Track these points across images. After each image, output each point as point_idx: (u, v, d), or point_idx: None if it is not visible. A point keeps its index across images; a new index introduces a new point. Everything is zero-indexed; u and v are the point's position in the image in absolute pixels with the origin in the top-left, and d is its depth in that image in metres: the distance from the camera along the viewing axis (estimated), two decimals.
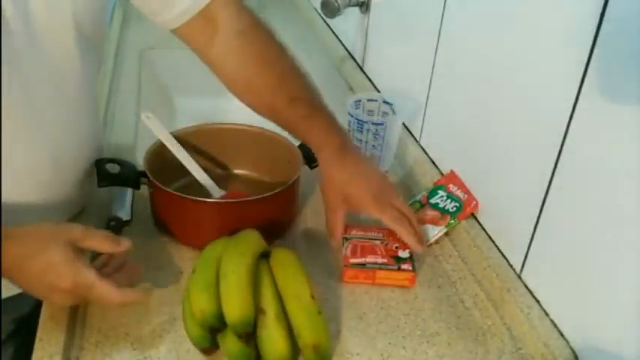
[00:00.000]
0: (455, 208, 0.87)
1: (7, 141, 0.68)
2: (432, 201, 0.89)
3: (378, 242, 0.82)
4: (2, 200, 0.69)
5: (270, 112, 0.84)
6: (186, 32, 0.82)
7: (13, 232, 0.63)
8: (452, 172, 0.91)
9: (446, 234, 0.91)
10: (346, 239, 0.83)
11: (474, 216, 0.90)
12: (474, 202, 0.87)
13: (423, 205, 0.90)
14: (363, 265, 0.78)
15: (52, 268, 0.63)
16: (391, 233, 0.84)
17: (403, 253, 0.81)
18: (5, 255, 0.62)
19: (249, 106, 0.86)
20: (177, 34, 0.83)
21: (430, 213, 0.88)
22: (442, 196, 0.89)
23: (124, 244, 0.69)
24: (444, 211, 0.87)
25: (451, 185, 0.89)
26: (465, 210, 0.87)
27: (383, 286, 0.80)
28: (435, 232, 0.87)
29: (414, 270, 0.79)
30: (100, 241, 0.67)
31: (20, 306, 0.84)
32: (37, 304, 0.75)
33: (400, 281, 0.79)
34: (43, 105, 0.72)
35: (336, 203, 0.83)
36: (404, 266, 0.79)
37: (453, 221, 0.87)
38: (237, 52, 0.83)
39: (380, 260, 0.79)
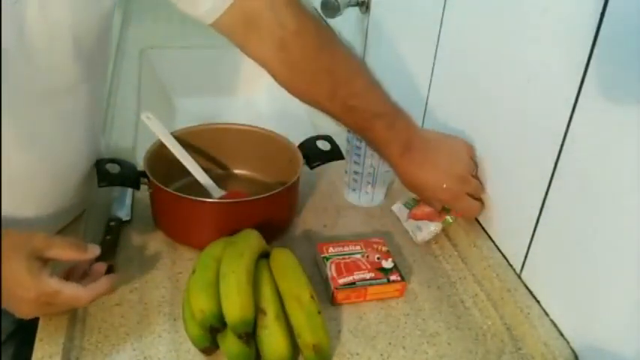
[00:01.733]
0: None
1: (4, 152, 0.68)
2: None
3: (359, 256, 0.81)
4: (1, 210, 0.69)
5: (327, 113, 0.81)
6: (221, 29, 0.76)
7: None
8: None
9: (445, 234, 0.91)
10: (326, 259, 0.80)
11: None
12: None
13: (418, 202, 0.89)
14: (353, 284, 0.77)
15: (15, 280, 0.62)
16: (369, 244, 0.83)
17: (387, 263, 0.80)
18: None
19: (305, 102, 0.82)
20: (216, 30, 0.77)
21: (426, 210, 0.88)
22: None
23: (91, 251, 0.68)
24: (442, 209, 0.87)
25: None
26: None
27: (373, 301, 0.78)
28: (431, 228, 0.87)
29: (403, 279, 0.79)
30: (64, 250, 0.66)
31: None
32: None
33: (391, 293, 0.79)
34: (39, 118, 0.71)
35: (423, 196, 0.87)
36: (392, 277, 0.78)
37: (449, 217, 0.86)
38: (279, 58, 0.77)
39: (368, 275, 0.78)
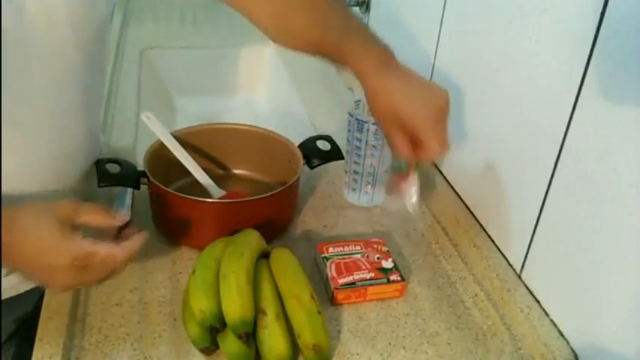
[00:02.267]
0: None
1: (4, 143, 0.68)
2: (395, 165, 0.77)
3: (359, 256, 0.81)
4: (2, 201, 0.69)
5: (307, 46, 0.77)
6: None
7: (4, 211, 0.61)
8: None
9: (445, 234, 0.91)
10: (326, 259, 0.80)
11: (473, 216, 0.90)
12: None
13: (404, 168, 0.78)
14: (352, 284, 0.77)
15: (47, 247, 0.60)
16: (369, 244, 0.83)
17: (387, 263, 0.80)
18: None
19: (285, 47, 0.79)
20: None
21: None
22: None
23: (120, 218, 0.65)
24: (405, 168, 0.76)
25: None
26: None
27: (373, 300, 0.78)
28: (413, 186, 0.78)
29: (403, 279, 0.79)
30: (94, 215, 0.64)
31: (21, 306, 0.84)
32: (38, 305, 0.75)
33: (391, 293, 0.79)
34: (38, 105, 0.71)
35: (389, 124, 0.73)
36: (392, 277, 0.78)
37: (419, 166, 0.76)
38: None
39: (368, 275, 0.78)
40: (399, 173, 0.77)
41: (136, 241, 0.65)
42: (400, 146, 0.73)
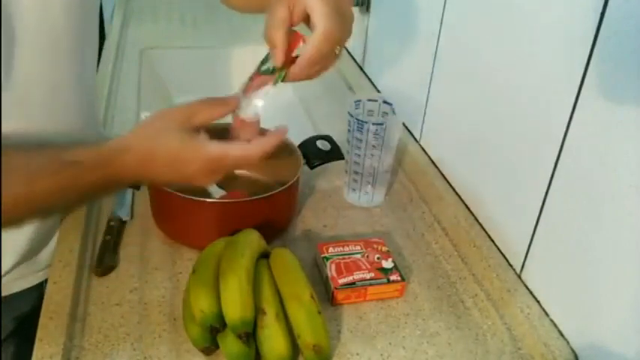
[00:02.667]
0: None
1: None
2: (263, 68, 0.69)
3: (359, 256, 0.81)
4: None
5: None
6: None
7: (122, 142, 0.60)
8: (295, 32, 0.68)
9: (445, 234, 0.91)
10: (326, 259, 0.80)
11: (473, 216, 0.90)
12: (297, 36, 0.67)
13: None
14: (353, 284, 0.77)
15: (176, 157, 0.59)
16: (369, 244, 0.82)
17: (387, 263, 0.80)
18: (128, 165, 0.59)
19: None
20: None
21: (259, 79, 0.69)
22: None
23: (232, 100, 0.63)
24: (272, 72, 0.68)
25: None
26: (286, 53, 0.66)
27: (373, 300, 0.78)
28: (260, 94, 0.68)
29: (403, 279, 0.79)
30: (210, 111, 0.62)
31: (20, 305, 0.84)
32: (37, 303, 0.75)
33: (391, 293, 0.79)
34: (32, 90, 0.70)
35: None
36: (392, 277, 0.78)
37: (278, 73, 0.67)
38: None
39: (368, 275, 0.78)
40: (265, 74, 0.68)
41: (270, 138, 0.62)
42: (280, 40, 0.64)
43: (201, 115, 0.61)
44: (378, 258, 0.80)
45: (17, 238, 0.79)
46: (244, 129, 0.63)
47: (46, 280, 0.84)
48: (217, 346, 0.68)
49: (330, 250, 0.81)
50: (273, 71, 0.68)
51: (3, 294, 0.78)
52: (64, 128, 0.77)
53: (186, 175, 0.61)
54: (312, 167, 0.92)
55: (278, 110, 1.33)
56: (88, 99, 0.84)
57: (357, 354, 0.71)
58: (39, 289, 0.84)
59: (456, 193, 0.95)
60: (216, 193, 0.89)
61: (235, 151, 0.61)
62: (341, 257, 0.80)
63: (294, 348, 0.67)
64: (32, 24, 0.67)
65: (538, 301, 0.76)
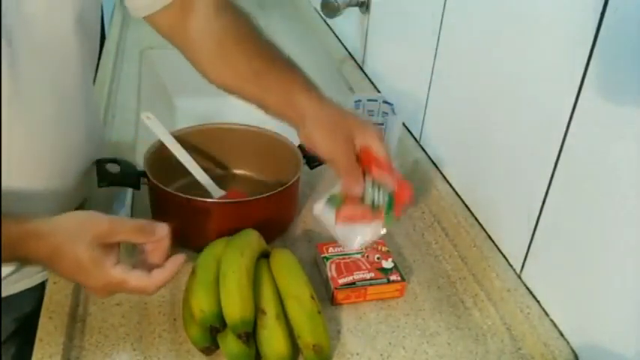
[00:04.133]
0: (386, 201, 0.72)
1: (4, 131, 0.67)
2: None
3: (359, 256, 0.81)
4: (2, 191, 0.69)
5: (246, 81, 0.80)
6: (163, 16, 0.80)
7: (41, 228, 0.61)
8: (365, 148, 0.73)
9: (445, 234, 0.91)
10: (326, 259, 0.80)
11: (473, 216, 0.90)
12: (407, 189, 0.73)
13: (343, 200, 0.74)
14: (353, 284, 0.77)
15: (80, 267, 0.61)
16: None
17: (387, 263, 0.80)
18: (37, 252, 0.61)
19: (226, 83, 0.83)
20: (152, 18, 0.81)
21: (358, 209, 0.73)
22: (366, 183, 0.72)
23: (159, 232, 0.65)
24: (374, 208, 0.72)
25: (373, 167, 0.71)
26: (398, 202, 0.72)
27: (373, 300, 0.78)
28: (370, 230, 0.73)
29: (403, 279, 0.79)
30: (129, 234, 0.64)
31: (21, 305, 0.84)
32: (38, 304, 0.75)
33: (391, 293, 0.79)
34: (38, 95, 0.71)
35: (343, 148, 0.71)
36: (392, 277, 0.78)
37: (388, 216, 0.72)
38: (216, 29, 0.81)
39: (368, 275, 0.78)
40: (334, 206, 0.74)
41: (167, 270, 0.65)
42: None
43: (120, 236, 0.64)
44: (378, 258, 0.80)
45: None
46: (154, 253, 0.66)
47: (46, 281, 0.84)
48: (217, 346, 0.68)
49: (330, 250, 0.81)
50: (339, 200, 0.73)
51: (3, 295, 0.78)
52: (70, 137, 0.78)
53: (85, 284, 0.64)
54: (312, 167, 0.92)
55: None
56: (91, 108, 0.85)
57: (357, 354, 0.71)
58: (39, 290, 0.84)
59: (456, 193, 0.95)
60: (216, 193, 0.89)
61: (134, 281, 0.63)
62: (341, 257, 0.80)
63: (294, 348, 0.67)
64: (37, 35, 0.68)
65: (538, 301, 0.76)
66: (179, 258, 0.66)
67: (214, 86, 0.84)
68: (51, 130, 0.75)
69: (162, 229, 0.65)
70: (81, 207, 0.87)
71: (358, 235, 0.74)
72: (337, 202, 0.74)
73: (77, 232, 0.62)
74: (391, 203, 0.72)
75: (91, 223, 0.63)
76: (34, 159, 0.74)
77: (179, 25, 0.81)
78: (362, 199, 0.72)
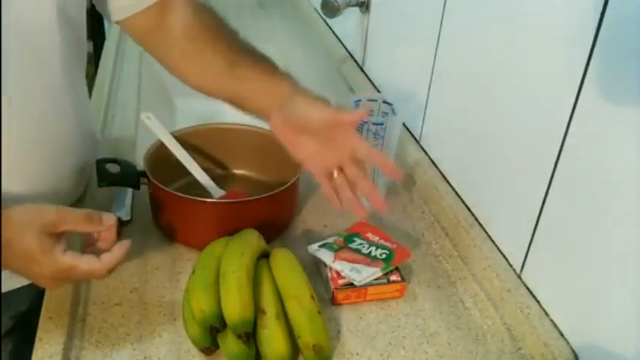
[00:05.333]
0: (385, 256, 0.79)
1: None
2: (353, 247, 0.81)
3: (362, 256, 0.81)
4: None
5: (222, 74, 0.82)
6: (142, 16, 0.81)
7: None
8: (362, 220, 0.86)
9: (446, 234, 0.91)
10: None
11: (473, 216, 0.90)
12: (406, 252, 0.81)
13: (341, 247, 0.81)
14: (352, 284, 0.77)
15: (30, 257, 0.62)
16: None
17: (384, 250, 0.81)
18: None
19: (201, 81, 0.85)
20: (130, 20, 0.82)
21: (356, 255, 0.79)
22: (361, 244, 0.81)
23: (106, 221, 0.66)
24: (372, 257, 0.79)
25: (369, 234, 0.83)
26: (397, 259, 0.79)
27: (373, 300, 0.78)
28: (371, 271, 0.77)
29: (403, 280, 0.79)
30: (77, 223, 0.65)
31: (18, 303, 0.84)
32: (35, 301, 0.75)
33: (391, 293, 0.79)
34: (26, 93, 0.71)
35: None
36: (392, 277, 0.78)
37: (387, 266, 0.78)
38: (192, 27, 0.83)
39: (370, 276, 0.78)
40: (331, 251, 0.80)
41: (115, 254, 0.66)
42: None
43: (68, 225, 0.64)
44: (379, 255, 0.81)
45: None
46: (105, 240, 0.67)
47: None
48: (217, 346, 0.68)
49: None
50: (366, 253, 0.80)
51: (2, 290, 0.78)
52: (56, 134, 0.78)
53: (35, 274, 0.64)
54: None
55: None
56: (81, 104, 0.84)
57: (357, 354, 0.71)
58: (36, 287, 0.84)
59: (456, 193, 0.95)
60: (216, 193, 0.89)
61: (85, 265, 0.64)
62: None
63: (294, 348, 0.67)
64: (14, 20, 0.67)
65: (538, 301, 0.76)
66: (125, 243, 0.67)
67: (191, 88, 0.87)
68: (33, 126, 0.74)
69: (110, 218, 0.66)
70: (78, 201, 0.87)
71: (362, 273, 0.77)
72: (334, 248, 0.80)
73: (25, 222, 0.62)
74: (390, 258, 0.79)
75: (38, 213, 0.63)
76: (17, 157, 0.73)
77: (156, 26, 0.82)
78: (359, 251, 0.80)
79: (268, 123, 0.81)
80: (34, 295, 0.80)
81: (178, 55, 0.85)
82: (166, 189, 0.81)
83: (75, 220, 0.65)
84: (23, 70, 0.70)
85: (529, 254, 0.77)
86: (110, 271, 0.66)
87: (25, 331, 0.83)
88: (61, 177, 0.80)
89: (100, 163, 0.85)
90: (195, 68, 0.84)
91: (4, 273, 0.79)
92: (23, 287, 0.83)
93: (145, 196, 0.88)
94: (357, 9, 1.29)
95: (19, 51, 0.69)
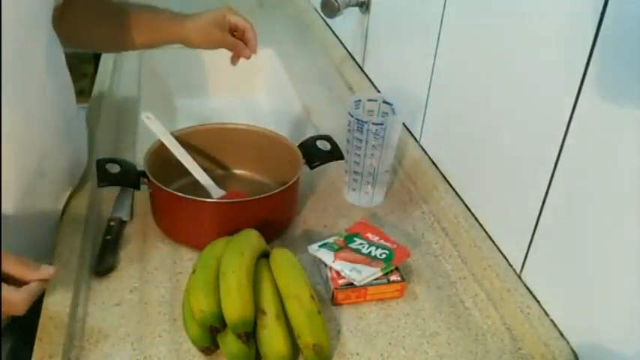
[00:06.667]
0: (384, 256, 0.79)
1: None
2: (353, 247, 0.81)
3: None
4: None
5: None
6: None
7: None
8: (362, 220, 0.87)
9: (445, 233, 0.91)
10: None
11: (473, 216, 0.90)
12: (406, 252, 0.81)
13: (341, 247, 0.81)
14: (352, 284, 0.77)
15: None
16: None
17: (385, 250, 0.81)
18: None
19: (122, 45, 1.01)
20: None
21: (356, 255, 0.79)
22: (361, 244, 0.81)
23: (44, 272, 0.63)
24: (372, 257, 0.79)
25: (369, 234, 0.83)
26: (397, 259, 0.79)
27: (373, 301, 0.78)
28: (371, 271, 0.77)
29: (403, 280, 0.79)
30: (13, 265, 0.62)
31: None
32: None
33: (391, 293, 0.79)
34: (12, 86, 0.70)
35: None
36: (392, 277, 0.78)
37: (387, 266, 0.79)
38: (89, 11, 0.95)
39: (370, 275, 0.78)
40: (330, 251, 0.82)
41: (34, 287, 0.63)
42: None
43: (4, 264, 0.62)
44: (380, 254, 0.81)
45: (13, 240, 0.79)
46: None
47: None
48: (217, 346, 0.68)
49: None
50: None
51: None
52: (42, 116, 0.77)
53: None
54: (312, 167, 0.92)
55: (278, 110, 1.34)
56: (62, 88, 0.84)
57: (357, 354, 0.71)
58: None
59: (456, 193, 0.95)
60: (216, 193, 0.89)
61: (3, 293, 0.61)
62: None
63: (294, 348, 0.67)
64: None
65: (538, 301, 0.76)
66: (48, 271, 0.64)
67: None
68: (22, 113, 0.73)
69: (48, 270, 0.63)
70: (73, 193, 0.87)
71: (362, 273, 0.77)
72: (334, 248, 0.80)
73: None
74: (390, 258, 0.79)
75: None
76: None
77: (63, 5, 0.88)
78: (359, 251, 0.80)
79: (190, 44, 1.00)
80: None
81: (82, 26, 0.95)
82: (166, 189, 0.81)
83: (11, 261, 0.62)
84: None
85: (529, 254, 0.77)
86: (28, 304, 0.62)
87: (22, 328, 0.83)
88: (42, 145, 0.79)
89: (100, 163, 0.85)
90: (101, 35, 0.99)
91: None
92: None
93: (144, 196, 0.88)
94: (357, 9, 1.29)
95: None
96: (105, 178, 0.84)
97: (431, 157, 1.03)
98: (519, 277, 0.79)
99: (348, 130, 0.91)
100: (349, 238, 0.83)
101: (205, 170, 0.91)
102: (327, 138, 0.95)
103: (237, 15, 0.98)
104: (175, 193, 0.81)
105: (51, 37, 0.78)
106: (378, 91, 1.23)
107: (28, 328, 0.70)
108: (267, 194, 0.82)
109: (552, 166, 0.71)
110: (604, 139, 0.63)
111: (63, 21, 0.86)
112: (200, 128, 0.96)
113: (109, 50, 1.09)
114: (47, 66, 0.77)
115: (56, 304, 0.72)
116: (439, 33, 0.97)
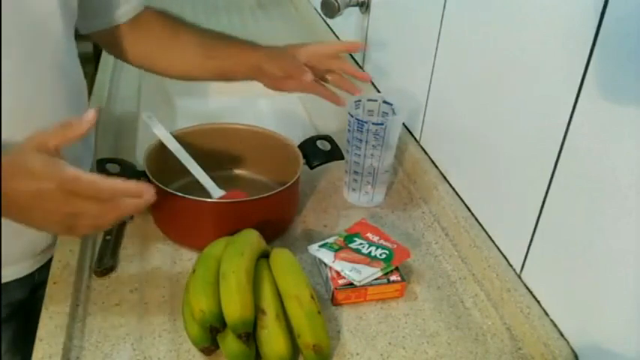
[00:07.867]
0: (384, 256, 0.79)
1: None
2: (353, 247, 0.81)
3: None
4: None
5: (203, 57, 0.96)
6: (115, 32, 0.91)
7: None
8: (362, 220, 0.87)
9: (445, 233, 0.91)
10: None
11: (473, 216, 0.90)
12: (406, 252, 0.81)
13: (341, 247, 0.81)
14: (352, 284, 0.77)
15: (35, 173, 0.60)
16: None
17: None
18: None
19: (189, 72, 0.98)
20: (106, 36, 0.92)
21: (355, 255, 0.80)
22: (361, 244, 0.81)
23: (85, 118, 0.63)
24: (372, 257, 0.79)
25: (369, 234, 0.83)
26: (397, 259, 0.80)
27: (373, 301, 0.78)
28: (371, 271, 0.78)
29: (403, 280, 0.79)
30: (64, 131, 0.62)
31: (13, 292, 0.83)
32: (30, 291, 0.75)
33: (391, 293, 0.79)
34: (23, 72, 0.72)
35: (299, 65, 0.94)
36: (392, 277, 0.78)
37: (387, 266, 0.79)
38: (165, 24, 0.96)
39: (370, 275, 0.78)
40: (331, 251, 0.82)
41: (123, 183, 0.63)
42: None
43: (54, 138, 0.62)
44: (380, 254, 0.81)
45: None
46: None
47: (37, 270, 0.84)
48: (217, 346, 0.68)
49: None
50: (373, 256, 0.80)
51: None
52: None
53: (42, 192, 0.61)
54: (312, 167, 0.92)
55: (278, 110, 1.33)
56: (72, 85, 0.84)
57: (357, 354, 0.71)
58: (31, 279, 0.84)
59: (456, 193, 0.95)
60: (216, 193, 0.89)
61: (88, 176, 0.61)
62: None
63: (294, 348, 0.67)
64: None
65: (538, 301, 0.76)
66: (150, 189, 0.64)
67: (176, 78, 1.01)
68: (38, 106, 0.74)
69: (89, 114, 0.64)
70: None
71: (362, 273, 0.77)
72: (334, 248, 0.81)
73: (18, 152, 0.61)
74: (390, 258, 0.79)
75: (26, 141, 0.62)
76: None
77: (130, 30, 0.93)
78: (359, 251, 0.80)
79: (260, 80, 0.97)
80: (29, 285, 0.80)
81: (156, 48, 0.96)
82: (166, 189, 0.81)
83: (59, 129, 0.63)
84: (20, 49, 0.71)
85: (529, 254, 0.77)
86: (114, 193, 0.62)
87: (22, 320, 0.83)
88: None
89: (100, 163, 0.85)
90: (175, 56, 0.96)
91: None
92: (17, 280, 0.83)
93: None
94: (357, 9, 1.29)
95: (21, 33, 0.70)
96: None
97: (431, 157, 1.03)
98: (519, 277, 0.79)
99: (348, 130, 0.91)
100: (349, 238, 0.83)
101: (205, 170, 0.91)
102: (327, 138, 0.95)
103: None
104: (175, 193, 0.81)
105: (65, 43, 0.78)
106: (378, 91, 1.23)
107: (28, 318, 0.70)
108: (267, 194, 0.82)
109: (552, 166, 0.71)
110: (604, 139, 0.63)
111: (135, 45, 0.93)
112: (200, 128, 0.95)
113: (181, 77, 1.01)
114: (58, 71, 0.77)
115: (56, 304, 0.72)
116: (439, 33, 0.97)
